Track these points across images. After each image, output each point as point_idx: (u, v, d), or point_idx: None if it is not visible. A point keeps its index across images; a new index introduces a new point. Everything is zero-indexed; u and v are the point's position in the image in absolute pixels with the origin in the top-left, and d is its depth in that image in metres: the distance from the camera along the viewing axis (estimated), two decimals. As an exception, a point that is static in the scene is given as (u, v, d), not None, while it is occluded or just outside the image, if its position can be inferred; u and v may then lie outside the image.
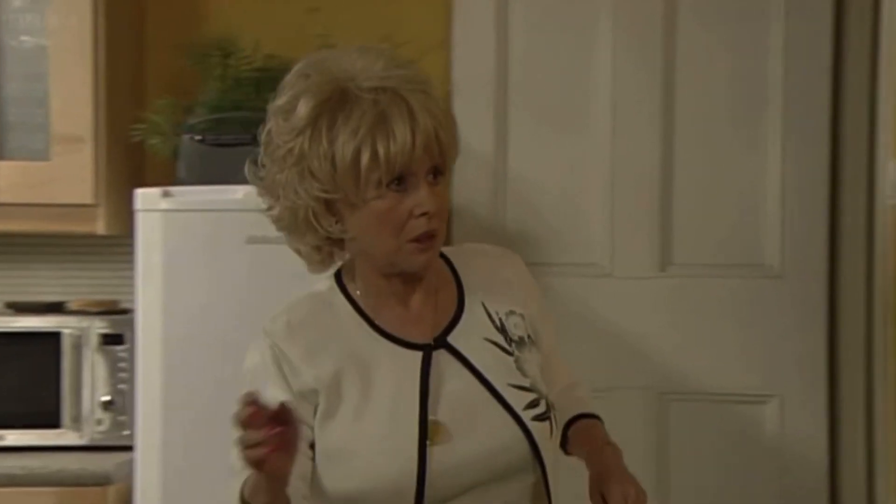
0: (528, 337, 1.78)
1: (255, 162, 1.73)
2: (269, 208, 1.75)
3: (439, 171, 1.67)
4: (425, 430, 1.64)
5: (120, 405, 3.03)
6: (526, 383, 1.72)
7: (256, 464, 1.48)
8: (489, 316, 1.76)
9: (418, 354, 1.70)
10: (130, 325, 2.97)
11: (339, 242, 1.71)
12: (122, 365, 3.05)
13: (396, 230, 1.66)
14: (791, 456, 3.19)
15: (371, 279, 1.72)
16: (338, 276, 1.76)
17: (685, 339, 3.22)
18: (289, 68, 3.63)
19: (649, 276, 3.24)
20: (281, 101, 1.70)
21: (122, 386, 3.05)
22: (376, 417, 1.65)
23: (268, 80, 3.20)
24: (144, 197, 2.88)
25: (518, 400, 1.69)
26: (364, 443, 1.64)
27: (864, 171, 3.06)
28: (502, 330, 1.76)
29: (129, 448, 2.91)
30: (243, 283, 2.85)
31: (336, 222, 1.68)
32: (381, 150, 1.62)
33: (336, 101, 1.65)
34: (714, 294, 3.21)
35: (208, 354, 2.85)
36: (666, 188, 3.24)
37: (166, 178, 3.07)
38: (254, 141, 3.09)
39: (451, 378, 1.69)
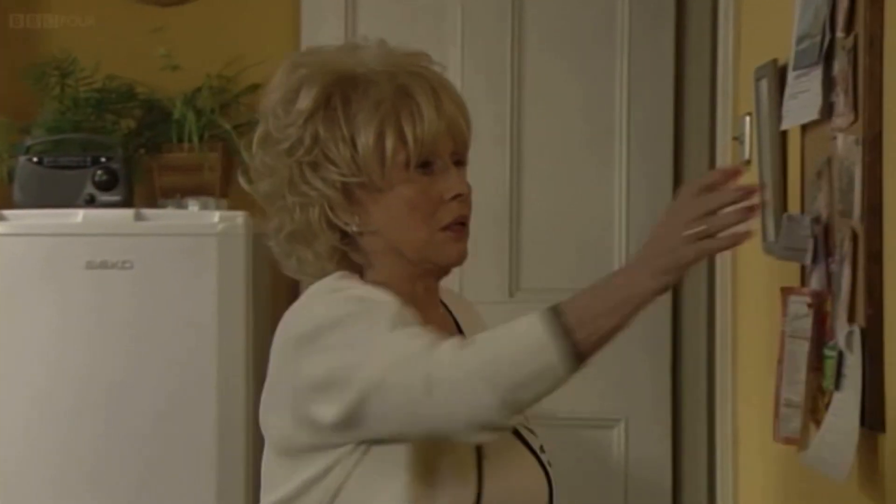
0: None
1: (245, 171, 1.53)
2: (273, 220, 1.52)
3: (461, 162, 1.50)
4: (480, 454, 1.47)
5: (-50, 438, 2.91)
6: (531, 427, 1.60)
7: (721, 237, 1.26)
8: None
9: None
10: (-38, 354, 2.85)
11: (354, 242, 1.49)
12: (-47, 396, 2.93)
13: (427, 217, 1.47)
14: (637, 478, 3.23)
15: (396, 283, 1.49)
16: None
17: (533, 363, 3.24)
18: (131, 89, 3.55)
19: (498, 301, 3.26)
20: (275, 96, 1.50)
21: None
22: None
23: (109, 100, 3.12)
24: (-23, 221, 2.78)
25: (534, 442, 1.58)
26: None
27: (706, 198, 3.13)
28: None
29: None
30: (82, 308, 2.78)
31: (356, 215, 1.47)
32: (407, 129, 1.45)
33: (346, 81, 1.47)
34: (561, 319, 3.24)
35: (46, 383, 2.77)
36: (514, 214, 3.26)
37: (2, 201, 2.97)
38: (94, 163, 3.05)
39: None
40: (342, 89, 1.46)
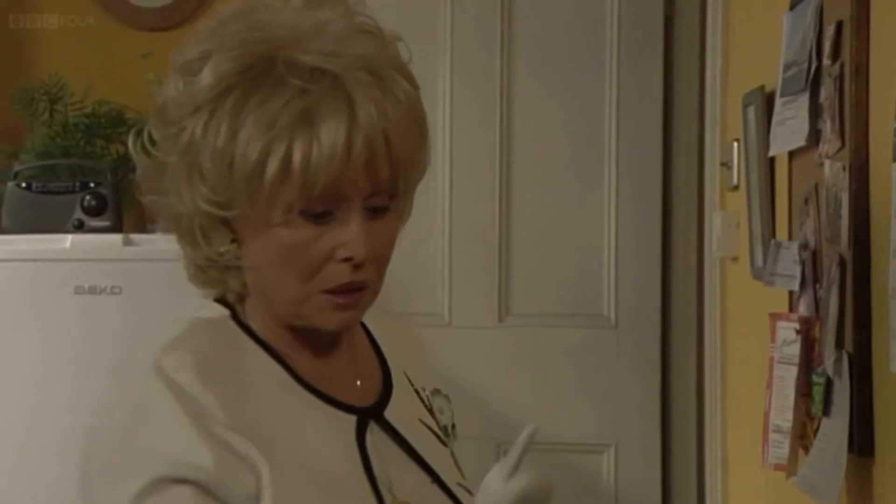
0: (453, 427, 1.34)
1: (140, 133, 1.24)
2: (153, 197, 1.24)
3: (382, 206, 1.20)
4: None
5: (-64, 465, 2.89)
6: (469, 487, 1.31)
7: None
8: (416, 391, 1.31)
9: (351, 420, 1.23)
10: (-51, 380, 2.84)
11: (233, 268, 1.22)
12: (-60, 423, 2.91)
13: (306, 274, 1.18)
14: (626, 503, 3.23)
15: (275, 327, 1.23)
16: (226, 304, 1.26)
17: (522, 388, 3.24)
18: (121, 115, 3.54)
19: (487, 326, 3.26)
20: (186, 55, 1.20)
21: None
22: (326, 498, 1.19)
23: (98, 125, 3.12)
24: (-35, 246, 2.78)
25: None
26: None
27: (694, 224, 3.14)
28: (430, 411, 1.32)
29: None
30: (71, 335, 2.77)
31: (232, 241, 1.20)
32: (296, 157, 1.13)
33: (256, 75, 1.16)
34: (551, 344, 3.24)
35: (35, 412, 2.75)
36: (504, 239, 3.26)
37: (-11, 226, 2.97)
38: (84, 188, 3.04)
39: (391, 461, 1.23)
40: (245, 85, 1.16)
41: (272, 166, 1.14)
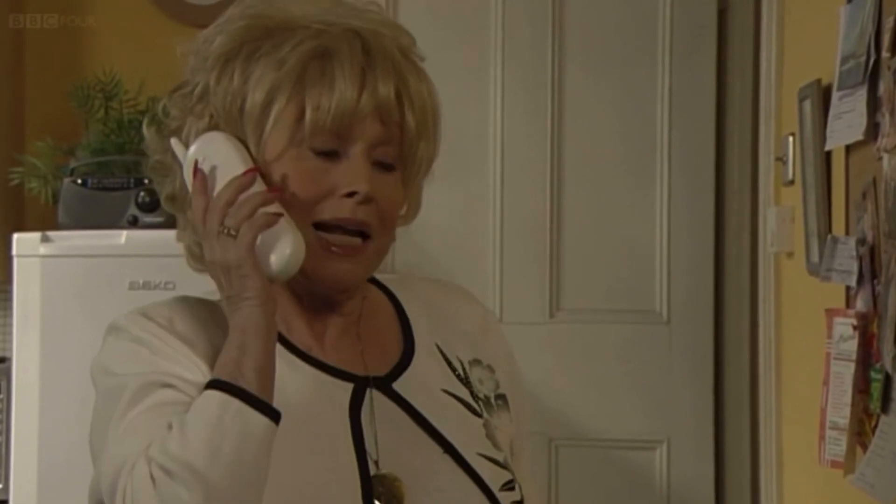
0: (498, 397, 1.30)
1: (154, 118, 1.28)
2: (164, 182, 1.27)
3: (388, 162, 1.20)
4: (369, 489, 1.17)
5: (-6, 458, 2.94)
6: (500, 458, 1.25)
7: (268, 223, 1.12)
8: (448, 362, 1.28)
9: (347, 388, 1.21)
10: (6, 374, 2.88)
11: None
12: (-3, 416, 2.95)
13: (308, 202, 1.17)
14: (679, 500, 3.21)
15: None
16: None
17: (574, 384, 3.23)
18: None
19: (538, 321, 3.25)
20: (203, 33, 1.24)
21: (-4, 438, 2.95)
22: (302, 465, 1.17)
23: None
24: (22, 242, 2.81)
25: (494, 477, 1.22)
26: (291, 495, 1.15)
27: (748, 219, 3.11)
28: (466, 382, 1.27)
29: (2, 503, 2.82)
30: (125, 330, 2.79)
31: None
32: (309, 98, 1.16)
33: (266, 30, 1.19)
34: (602, 340, 3.23)
35: (88, 406, 2.78)
36: (554, 234, 3.25)
37: (46, 222, 3.00)
38: (138, 185, 3.07)
39: (393, 430, 1.21)
40: (257, 38, 1.19)
41: (280, 103, 1.17)
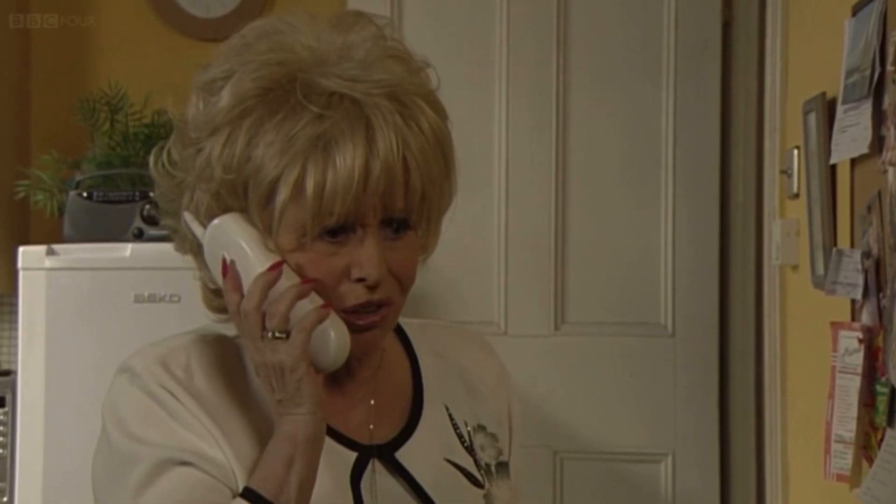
0: (500, 465, 1.28)
1: (161, 151, 1.24)
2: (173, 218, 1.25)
3: (405, 223, 1.18)
4: None
5: (-1, 471, 2.94)
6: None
7: (316, 321, 1.09)
8: (454, 426, 1.26)
9: (350, 457, 1.20)
10: (11, 387, 2.88)
11: None
12: (1, 429, 2.95)
13: (321, 293, 1.15)
14: (684, 514, 3.20)
15: None
16: None
17: (578, 397, 3.22)
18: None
19: (543, 334, 3.24)
20: (209, 74, 1.18)
21: (0, 451, 2.95)
22: None
23: (158, 135, 3.15)
24: (27, 255, 2.81)
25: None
26: None
27: (753, 233, 3.11)
28: (471, 450, 1.26)
29: (7, 516, 2.82)
30: (130, 344, 2.79)
31: None
32: (309, 184, 1.11)
33: (274, 98, 1.14)
34: (607, 353, 3.23)
35: (93, 419, 2.78)
36: (559, 247, 3.25)
37: (52, 235, 3.00)
38: (143, 197, 3.08)
39: (392, 503, 1.21)
40: (265, 106, 1.14)
41: (283, 193, 1.13)
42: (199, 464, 1.14)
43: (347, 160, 1.12)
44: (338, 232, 1.15)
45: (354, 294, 1.15)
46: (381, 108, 1.14)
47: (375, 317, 1.17)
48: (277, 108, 1.14)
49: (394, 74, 1.16)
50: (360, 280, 1.15)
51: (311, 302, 1.13)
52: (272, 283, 1.13)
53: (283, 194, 1.13)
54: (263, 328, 1.13)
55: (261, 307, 1.13)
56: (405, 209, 1.16)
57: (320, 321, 1.13)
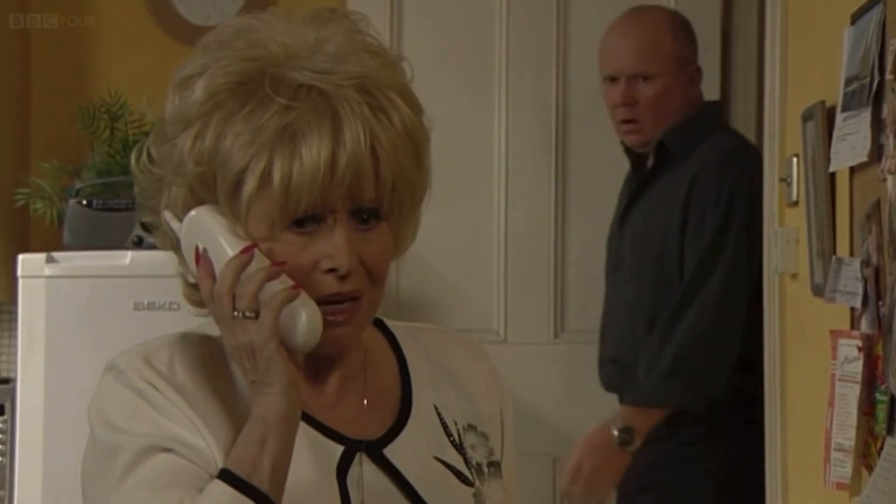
0: (491, 465, 1.27)
1: (141, 150, 1.25)
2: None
3: (376, 214, 1.17)
4: None
5: (-2, 479, 2.94)
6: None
7: (286, 300, 1.11)
8: (444, 425, 1.26)
9: (336, 450, 1.20)
10: (11, 395, 2.88)
11: None
12: (1, 437, 2.95)
13: (296, 279, 1.15)
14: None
15: None
16: None
17: (578, 405, 3.22)
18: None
19: (543, 342, 3.24)
20: (185, 71, 1.20)
21: (0, 459, 2.95)
22: None
23: (157, 143, 3.16)
24: (27, 262, 2.82)
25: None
26: None
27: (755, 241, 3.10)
28: (461, 448, 1.26)
29: (6, 524, 2.82)
30: (130, 351, 2.79)
31: None
32: (276, 175, 1.13)
33: (245, 91, 1.16)
34: (607, 360, 3.22)
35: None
36: (559, 254, 3.25)
37: (51, 243, 3.01)
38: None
39: (379, 498, 1.20)
40: (236, 98, 1.16)
41: (250, 184, 1.14)
42: (181, 451, 1.16)
43: (313, 151, 1.13)
44: (306, 222, 1.15)
45: (325, 284, 1.16)
46: (350, 99, 1.14)
47: (346, 312, 1.17)
48: (246, 100, 1.15)
49: (365, 67, 1.17)
50: (331, 271, 1.16)
51: (282, 283, 1.14)
52: (244, 266, 1.14)
53: (249, 185, 1.14)
54: (235, 310, 1.14)
55: (232, 290, 1.14)
56: (375, 199, 1.17)
57: (290, 301, 1.13)
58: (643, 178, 2.82)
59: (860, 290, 1.85)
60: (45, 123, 3.29)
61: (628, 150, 2.86)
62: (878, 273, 1.81)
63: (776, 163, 2.73)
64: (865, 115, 1.82)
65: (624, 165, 3.23)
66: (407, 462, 1.22)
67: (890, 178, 1.74)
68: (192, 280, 1.23)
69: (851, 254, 1.97)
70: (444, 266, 3.22)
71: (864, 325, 1.84)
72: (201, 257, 1.17)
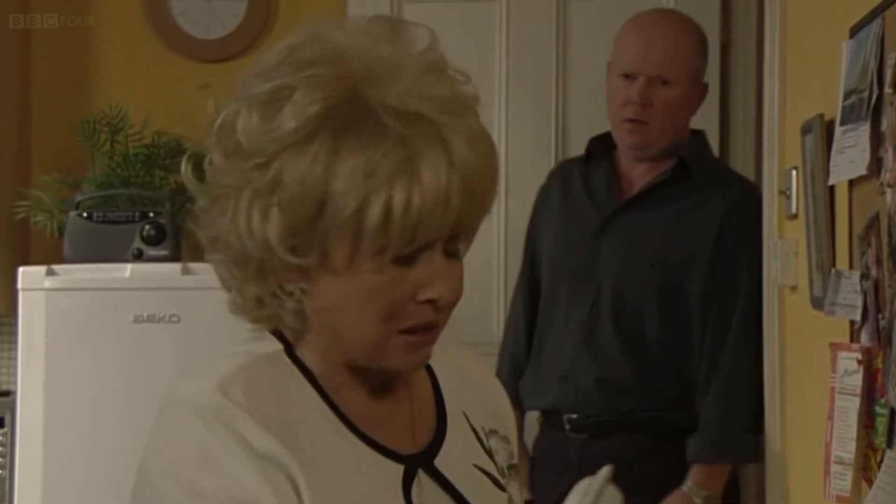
0: (511, 468, 1.29)
1: (192, 158, 1.22)
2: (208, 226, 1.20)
3: (457, 250, 1.16)
4: None
5: (-2, 491, 2.93)
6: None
7: None
8: (475, 432, 1.27)
9: (398, 469, 1.19)
10: (11, 407, 2.88)
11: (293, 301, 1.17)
12: (1, 450, 2.95)
13: (388, 314, 1.14)
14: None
15: (333, 365, 1.19)
16: (281, 338, 1.20)
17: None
18: (179, 145, 3.59)
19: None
20: (258, 87, 1.14)
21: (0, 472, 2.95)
22: None
23: (157, 156, 3.16)
24: (27, 275, 2.82)
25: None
26: None
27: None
28: (491, 454, 1.27)
29: (6, 537, 2.81)
30: (129, 364, 2.79)
31: (301, 281, 1.14)
32: (397, 206, 1.09)
33: (347, 114, 1.11)
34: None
35: (92, 439, 2.78)
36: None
37: (52, 255, 3.01)
38: (143, 218, 3.08)
39: None
40: (337, 124, 1.11)
41: (373, 216, 1.09)
42: None
43: (433, 180, 1.10)
44: (414, 253, 1.13)
45: (421, 314, 1.15)
46: (450, 125, 1.13)
47: (430, 336, 1.17)
48: (352, 128, 1.11)
49: (448, 89, 1.15)
50: (429, 301, 1.14)
51: None
52: None
53: (372, 218, 1.10)
54: None
55: None
56: (470, 221, 1.15)
57: None
58: (643, 191, 2.81)
59: (860, 303, 1.85)
60: (45, 136, 3.29)
61: (593, 151, 2.81)
62: (877, 286, 1.81)
63: (775, 176, 2.74)
64: (864, 129, 1.82)
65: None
66: (454, 471, 1.22)
67: (889, 191, 1.74)
68: (263, 297, 1.18)
69: (851, 267, 1.98)
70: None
71: (864, 338, 1.85)
72: None
